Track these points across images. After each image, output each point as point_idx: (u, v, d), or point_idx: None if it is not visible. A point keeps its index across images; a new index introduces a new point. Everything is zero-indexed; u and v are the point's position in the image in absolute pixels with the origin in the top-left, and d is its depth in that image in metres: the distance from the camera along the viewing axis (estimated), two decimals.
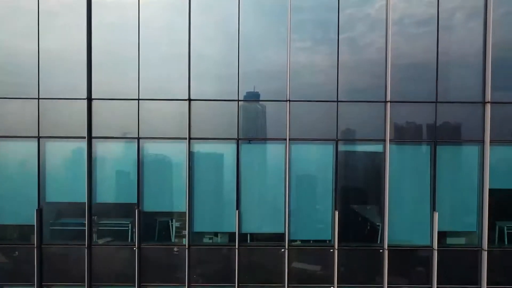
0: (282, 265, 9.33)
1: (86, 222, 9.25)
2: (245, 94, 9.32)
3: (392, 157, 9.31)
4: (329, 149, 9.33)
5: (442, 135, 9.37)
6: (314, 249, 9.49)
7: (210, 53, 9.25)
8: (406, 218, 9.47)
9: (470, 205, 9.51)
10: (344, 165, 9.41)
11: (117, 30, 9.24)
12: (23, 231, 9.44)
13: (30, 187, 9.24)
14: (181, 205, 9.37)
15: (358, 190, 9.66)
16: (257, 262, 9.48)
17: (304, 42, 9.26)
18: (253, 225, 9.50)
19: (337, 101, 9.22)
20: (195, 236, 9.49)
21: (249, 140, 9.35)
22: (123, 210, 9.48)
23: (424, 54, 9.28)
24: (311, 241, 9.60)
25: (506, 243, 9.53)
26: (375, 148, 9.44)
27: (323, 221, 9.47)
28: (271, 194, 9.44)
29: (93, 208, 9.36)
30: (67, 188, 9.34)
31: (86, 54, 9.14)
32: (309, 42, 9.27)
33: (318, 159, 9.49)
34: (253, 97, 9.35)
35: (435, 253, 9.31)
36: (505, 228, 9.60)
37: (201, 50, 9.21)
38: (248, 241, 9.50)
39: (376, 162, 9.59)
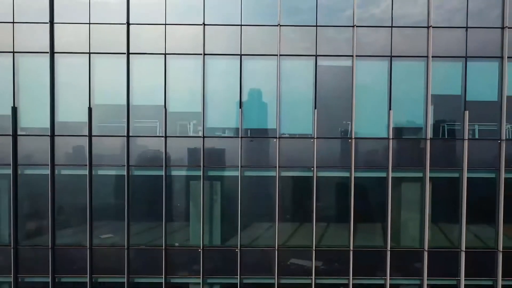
0: (274, 151, 12.28)
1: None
2: None
3: (358, 72, 12.28)
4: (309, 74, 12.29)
5: (396, 52, 12.32)
6: (299, 140, 12.44)
7: None
8: (369, 117, 12.41)
9: (418, 109, 12.45)
10: (321, 83, 12.35)
11: None
12: None
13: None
14: (197, 107, 12.31)
15: (333, 98, 12.56)
16: (256, 149, 12.43)
17: None
18: (253, 123, 12.45)
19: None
20: (208, 131, 12.43)
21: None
22: (153, 111, 12.42)
23: None
24: (297, 135, 12.55)
25: (446, 136, 12.47)
26: (345, 63, 12.38)
27: (306, 120, 12.41)
28: (267, 99, 12.39)
29: (131, 109, 12.31)
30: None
31: None
32: None
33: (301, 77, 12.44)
34: None
35: (391, 142, 12.26)
36: (446, 125, 12.56)
37: None
38: (249, 135, 12.45)
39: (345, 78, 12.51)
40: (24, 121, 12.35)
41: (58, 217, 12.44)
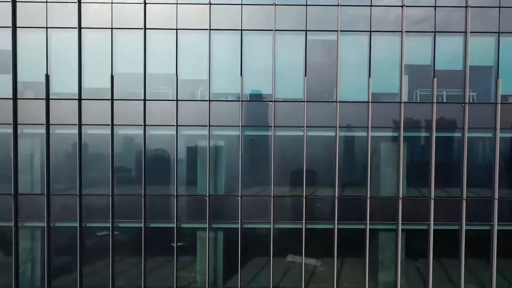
0: (270, 113, 14.32)
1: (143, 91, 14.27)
2: None
3: (342, 45, 14.30)
4: (300, 40, 14.29)
5: (375, 28, 14.33)
6: (292, 103, 14.48)
7: None
8: (352, 84, 14.43)
9: (394, 77, 14.47)
10: (311, 55, 14.37)
11: None
12: None
13: None
14: (204, 75, 14.34)
15: (321, 68, 14.57)
16: (254, 111, 14.47)
17: None
18: (251, 88, 14.48)
19: None
20: (213, 96, 14.47)
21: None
22: (166, 79, 14.44)
23: None
24: (289, 99, 14.58)
25: (418, 100, 14.50)
26: (331, 37, 14.40)
27: (298, 86, 14.43)
28: (264, 68, 14.41)
29: (147, 77, 14.33)
30: None
31: None
32: None
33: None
34: None
35: (370, 105, 14.30)
36: (418, 91, 14.58)
37: None
38: (248, 99, 14.48)
39: (331, 50, 14.53)
40: (55, 87, 14.38)
41: (84, 170, 14.50)
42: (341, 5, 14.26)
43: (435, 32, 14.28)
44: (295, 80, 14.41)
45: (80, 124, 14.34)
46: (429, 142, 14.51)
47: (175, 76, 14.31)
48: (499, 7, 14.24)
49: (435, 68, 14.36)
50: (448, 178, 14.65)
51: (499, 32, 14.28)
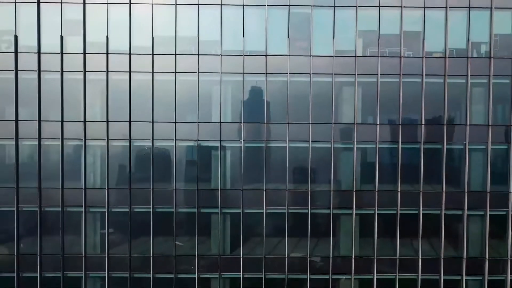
0: (264, 63, 20.41)
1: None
2: None
3: (314, 18, 20.35)
4: None
5: (339, 4, 20.37)
6: (279, 57, 20.51)
7: None
8: (322, 43, 20.46)
9: (351, 39, 20.51)
10: (294, 20, 20.40)
11: None
12: None
13: None
14: (217, 36, 20.37)
15: (300, 30, 20.60)
16: (254, 61, 20.54)
17: None
18: (253, 45, 20.52)
19: None
20: (224, 52, 20.48)
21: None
22: (190, 40, 20.44)
23: None
24: (278, 54, 20.60)
25: (368, 54, 20.58)
26: (305, 10, 20.43)
27: (283, 44, 20.46)
28: (258, 31, 20.43)
29: (177, 40, 20.35)
30: None
31: None
32: None
33: None
34: None
35: (334, 59, 20.38)
36: (368, 49, 20.65)
37: None
38: (249, 54, 20.53)
39: (305, 22, 20.57)
40: (113, 46, 20.41)
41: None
42: None
43: (379, 6, 20.33)
44: (281, 41, 20.47)
45: (130, 72, 20.38)
46: (375, 87, 20.59)
47: (197, 38, 20.38)
48: None
49: (380, 33, 20.44)
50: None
51: (424, 7, 20.34)
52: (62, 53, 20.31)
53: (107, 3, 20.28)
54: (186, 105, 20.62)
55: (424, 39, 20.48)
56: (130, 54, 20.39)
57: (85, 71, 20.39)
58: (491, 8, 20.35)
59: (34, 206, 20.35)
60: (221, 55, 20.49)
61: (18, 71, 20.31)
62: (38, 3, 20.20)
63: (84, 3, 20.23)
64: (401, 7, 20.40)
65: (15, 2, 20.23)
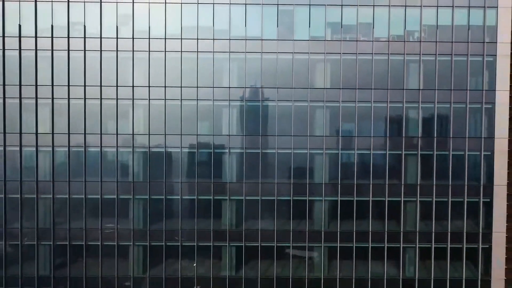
0: (260, 47, 28.90)
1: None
2: None
3: (296, 14, 28.82)
4: None
5: (314, 3, 28.85)
6: (270, 41, 28.96)
7: None
8: (302, 31, 28.88)
9: (321, 28, 28.98)
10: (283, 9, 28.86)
11: None
12: None
13: None
14: (227, 26, 28.82)
15: (286, 23, 29.08)
16: (252, 45, 28.98)
17: None
18: (254, 32, 28.97)
19: None
20: (232, 37, 28.94)
21: None
22: (207, 29, 28.89)
23: None
24: (269, 38, 29.09)
25: (335, 39, 29.08)
26: (288, 8, 28.88)
27: (272, 31, 28.92)
28: (255, 18, 28.87)
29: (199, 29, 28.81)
30: None
31: None
32: None
33: None
34: None
35: (309, 42, 28.85)
36: (334, 36, 29.15)
37: None
38: (250, 38, 28.97)
39: (287, 17, 29.07)
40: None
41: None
42: None
43: (342, 5, 28.77)
44: (273, 29, 28.93)
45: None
46: (339, 62, 29.02)
47: (213, 28, 28.82)
48: None
49: (342, 24, 28.90)
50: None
51: (374, 5, 28.79)
52: (117, 38, 28.73)
53: (149, 3, 28.71)
54: (206, 76, 29.01)
55: (373, 28, 28.95)
56: (165, 38, 28.84)
57: (133, 51, 28.83)
58: (421, 6, 28.83)
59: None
60: (230, 39, 28.92)
61: (86, 51, 28.75)
62: (100, 2, 28.64)
63: (133, 2, 28.69)
64: (357, 5, 28.87)
65: (84, 2, 28.63)
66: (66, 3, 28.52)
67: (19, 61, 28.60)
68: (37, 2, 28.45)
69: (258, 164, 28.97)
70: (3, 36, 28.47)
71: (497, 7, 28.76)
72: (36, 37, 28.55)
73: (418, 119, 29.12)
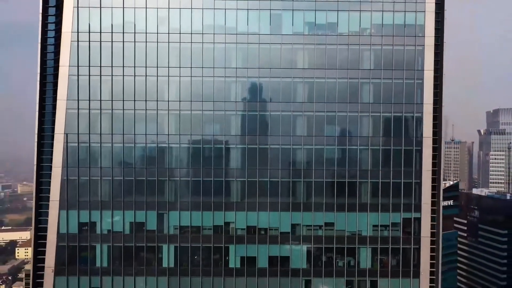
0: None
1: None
2: None
3: (283, 17, 41.01)
4: None
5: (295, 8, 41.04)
6: (263, 35, 41.09)
7: None
8: (287, 28, 41.02)
9: (301, 26, 41.15)
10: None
11: None
12: None
13: None
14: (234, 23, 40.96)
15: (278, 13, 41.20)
16: (251, 36, 41.16)
17: None
18: (254, 28, 41.14)
19: None
20: (238, 32, 41.07)
21: None
22: (221, 27, 41.04)
23: None
24: (264, 33, 41.22)
25: (313, 34, 41.26)
26: (276, 12, 41.01)
27: (266, 25, 41.05)
28: (255, 14, 41.02)
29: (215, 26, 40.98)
30: None
31: None
32: None
33: None
34: None
35: (304, 36, 41.03)
36: (310, 32, 41.37)
37: None
38: (252, 33, 41.15)
39: (276, 20, 41.18)
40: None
41: None
42: None
43: (315, 10, 40.93)
44: (266, 26, 41.08)
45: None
46: (314, 49, 41.14)
47: (224, 25, 40.97)
48: None
49: (316, 23, 41.08)
50: None
51: (338, 10, 40.92)
52: (157, 33, 40.90)
53: (180, 8, 40.87)
54: (219, 59, 41.14)
55: (337, 26, 41.16)
56: (191, 33, 40.95)
57: (169, 42, 40.95)
58: (371, 10, 41.02)
59: None
60: (236, 34, 41.05)
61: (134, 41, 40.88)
62: (146, 8, 40.78)
63: (169, 8, 40.87)
64: (326, 10, 41.05)
65: (134, 8, 40.73)
66: (122, 9, 40.70)
67: (88, 49, 40.80)
68: (102, 8, 40.62)
69: (257, 124, 41.28)
70: (77, 32, 40.62)
71: (424, 11, 41.00)
72: (100, 32, 40.74)
73: (369, 90, 41.40)
